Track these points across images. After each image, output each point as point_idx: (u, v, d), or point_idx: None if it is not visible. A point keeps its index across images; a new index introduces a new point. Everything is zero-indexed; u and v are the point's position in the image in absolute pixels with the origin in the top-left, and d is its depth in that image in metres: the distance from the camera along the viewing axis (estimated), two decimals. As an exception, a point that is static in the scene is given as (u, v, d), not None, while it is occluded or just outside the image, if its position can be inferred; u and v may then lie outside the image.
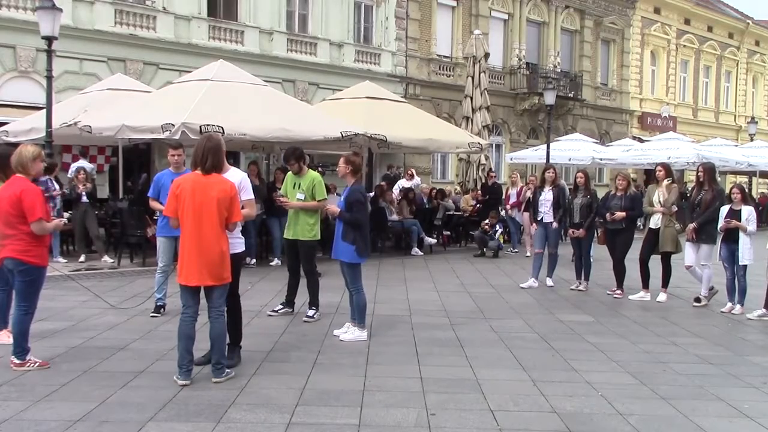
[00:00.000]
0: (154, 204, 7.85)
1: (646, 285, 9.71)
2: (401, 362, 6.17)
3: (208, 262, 5.27)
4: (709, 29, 37.23)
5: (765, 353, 6.98)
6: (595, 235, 11.05)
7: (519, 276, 11.48)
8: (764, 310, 8.51)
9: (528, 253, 13.80)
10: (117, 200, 13.58)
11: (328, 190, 9.23)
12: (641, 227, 12.60)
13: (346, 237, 6.87)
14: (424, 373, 5.82)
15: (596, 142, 25.48)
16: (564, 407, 5.06)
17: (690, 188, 10.56)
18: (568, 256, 11.85)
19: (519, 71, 27.42)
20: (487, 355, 6.50)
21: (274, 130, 11.71)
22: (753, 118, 32.88)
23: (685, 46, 35.84)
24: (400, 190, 16.14)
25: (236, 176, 5.77)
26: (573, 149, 23.10)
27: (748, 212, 8.66)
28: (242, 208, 5.57)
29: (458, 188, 19.58)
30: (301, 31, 21.41)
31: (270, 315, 7.97)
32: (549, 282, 10.72)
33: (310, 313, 7.79)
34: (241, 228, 5.78)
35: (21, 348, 5.68)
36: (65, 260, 11.83)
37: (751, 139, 29.95)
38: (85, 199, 11.92)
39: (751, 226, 8.61)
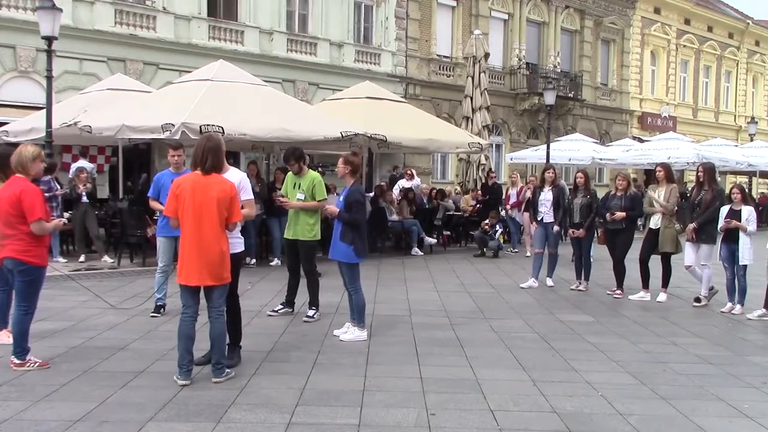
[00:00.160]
0: (154, 204, 7.85)
1: (646, 285, 9.71)
2: (401, 362, 6.17)
3: (208, 262, 5.27)
4: (709, 29, 37.23)
5: (765, 353, 6.98)
6: (595, 235, 11.05)
7: (519, 276, 11.48)
8: (764, 310, 8.52)
9: (528, 253, 13.80)
10: (117, 200, 13.58)
11: (329, 190, 9.24)
12: (641, 227, 12.61)
13: (345, 237, 6.87)
14: (424, 373, 5.82)
15: (596, 142, 25.48)
16: (564, 407, 5.06)
17: (690, 188, 10.54)
18: (568, 256, 11.85)
19: (519, 71, 27.41)
20: (487, 355, 6.50)
21: (274, 130, 11.71)
22: (753, 118, 32.88)
23: (685, 46, 35.84)
24: (400, 190, 16.15)
25: (235, 176, 5.77)
26: (573, 149, 23.10)
27: (748, 212, 8.66)
28: (242, 208, 5.57)
29: (458, 188, 19.57)
30: (301, 31, 21.41)
31: (270, 315, 7.97)
32: (549, 282, 10.72)
33: (310, 313, 7.79)
34: (240, 228, 5.78)
35: (21, 348, 5.68)
36: (65, 260, 11.83)
37: (751, 139, 29.95)
38: (85, 199, 11.92)
39: (751, 226, 8.61)
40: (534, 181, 14.63)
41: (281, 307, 8.07)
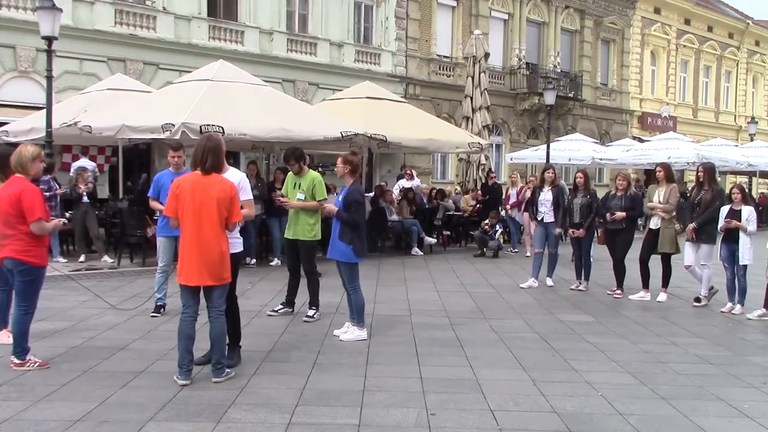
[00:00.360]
0: (154, 204, 7.85)
1: (646, 285, 9.71)
2: (401, 362, 6.17)
3: (208, 262, 5.27)
4: (709, 29, 37.23)
5: (765, 353, 6.98)
6: (595, 235, 11.05)
7: (519, 276, 11.48)
8: (764, 310, 8.51)
9: (528, 253, 13.80)
10: (117, 200, 13.58)
11: (329, 190, 9.23)
12: (641, 227, 12.61)
13: (343, 237, 6.87)
14: (424, 373, 5.82)
15: (596, 142, 25.48)
16: (564, 407, 5.06)
17: (690, 188, 10.55)
18: (568, 256, 11.85)
19: (519, 71, 27.41)
20: (487, 355, 6.50)
21: (274, 130, 11.71)
22: (753, 118, 32.87)
23: (685, 46, 35.83)
24: (400, 191, 16.15)
25: (235, 176, 5.77)
26: (573, 149, 23.10)
27: (748, 212, 8.66)
28: (241, 208, 5.57)
29: (458, 188, 19.57)
30: (301, 31, 21.41)
31: (270, 315, 7.97)
32: (549, 282, 10.72)
33: (310, 313, 7.79)
34: (240, 228, 5.78)
35: (21, 348, 5.68)
36: (65, 260, 11.83)
37: (751, 139, 29.95)
38: (85, 199, 11.91)
39: (751, 226, 8.61)
40: (534, 181, 14.62)
41: (281, 307, 8.07)
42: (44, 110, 12.50)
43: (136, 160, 16.87)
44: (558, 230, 10.56)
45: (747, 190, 11.54)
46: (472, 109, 19.48)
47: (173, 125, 10.70)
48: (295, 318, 7.85)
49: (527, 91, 27.33)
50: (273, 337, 6.94)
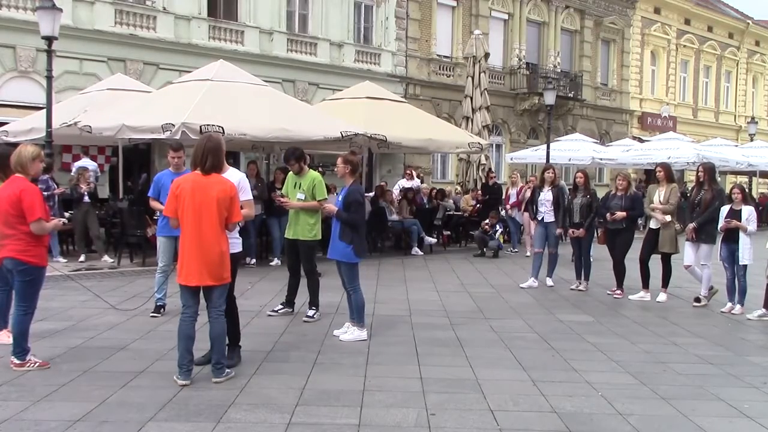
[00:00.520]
0: (154, 204, 7.86)
1: (646, 285, 9.71)
2: (401, 362, 6.17)
3: (208, 262, 5.27)
4: (709, 29, 37.23)
5: (765, 353, 6.98)
6: (595, 235, 11.05)
7: (519, 276, 11.48)
8: (764, 310, 8.51)
9: (528, 253, 13.79)
10: (117, 200, 13.57)
11: (329, 190, 9.23)
12: (641, 227, 12.61)
13: (343, 237, 6.87)
14: (424, 373, 5.82)
15: (596, 142, 25.47)
16: (564, 407, 5.06)
17: (690, 188, 10.55)
18: (568, 256, 11.86)
19: (519, 71, 27.41)
20: (487, 355, 6.50)
21: (274, 130, 11.71)
22: (753, 118, 32.86)
23: (685, 46, 35.83)
24: (400, 191, 16.15)
25: (234, 177, 5.77)
26: (573, 149, 23.09)
27: (748, 212, 8.66)
28: (241, 208, 5.57)
29: (458, 188, 19.58)
30: (301, 31, 21.41)
31: (270, 315, 7.97)
32: (549, 282, 10.72)
33: (310, 313, 7.79)
34: (240, 228, 5.78)
35: (21, 348, 5.68)
36: (65, 260, 11.83)
37: (751, 139, 29.94)
38: (87, 199, 11.91)
39: (752, 226, 8.61)
40: (534, 181, 14.62)
41: (281, 307, 8.07)
42: (44, 110, 12.50)
43: (136, 160, 16.86)
44: (558, 230, 10.56)
45: (747, 190, 11.53)
46: (472, 109, 19.48)
47: (173, 125, 10.70)
48: (295, 318, 7.85)
49: (527, 91, 27.33)
50: (273, 337, 6.94)
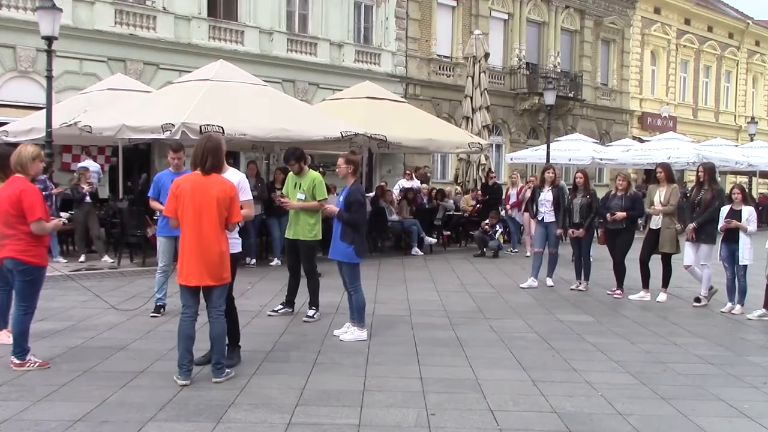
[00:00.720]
0: (154, 204, 7.86)
1: (646, 285, 9.71)
2: (401, 362, 6.17)
3: (208, 262, 5.27)
4: (709, 29, 37.23)
5: (765, 353, 6.98)
6: (595, 235, 11.05)
7: (519, 276, 11.48)
8: (764, 310, 8.51)
9: (528, 253, 13.79)
10: (117, 200, 13.58)
11: (329, 190, 9.23)
12: (641, 227, 12.60)
13: (345, 237, 6.86)
14: (424, 373, 5.82)
15: (596, 142, 25.46)
16: (564, 407, 5.06)
17: (690, 188, 10.55)
18: (568, 256, 11.85)
19: (519, 71, 27.41)
20: (487, 355, 6.50)
21: (274, 130, 11.70)
22: (753, 118, 32.86)
23: (685, 46, 35.83)
24: (400, 191, 16.15)
25: (235, 177, 5.77)
26: (573, 149, 23.09)
27: (748, 212, 8.66)
28: (241, 208, 5.57)
29: (458, 188, 19.58)
30: (301, 31, 21.41)
31: (270, 315, 7.97)
32: (549, 282, 10.72)
33: (310, 313, 7.79)
34: (240, 228, 5.78)
35: (21, 348, 5.68)
36: (65, 260, 11.83)
37: (751, 139, 29.95)
38: (88, 199, 11.91)
39: (752, 227, 8.61)
40: (534, 181, 14.62)
41: (281, 307, 8.07)
42: (44, 110, 12.50)
43: (136, 160, 16.86)
44: (558, 231, 10.56)
45: (747, 190, 11.53)
46: (472, 109, 19.47)
47: (173, 125, 10.70)
48: (295, 318, 7.85)
49: (527, 91, 27.32)
50: (273, 337, 6.94)
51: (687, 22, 35.73)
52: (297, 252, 7.84)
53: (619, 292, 9.91)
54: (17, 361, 5.65)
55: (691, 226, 9.12)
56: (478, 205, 16.68)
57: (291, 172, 7.92)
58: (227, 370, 5.49)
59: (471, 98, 19.51)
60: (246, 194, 5.89)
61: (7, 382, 5.33)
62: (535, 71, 27.73)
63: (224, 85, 12.13)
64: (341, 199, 7.02)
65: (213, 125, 10.55)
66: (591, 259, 10.60)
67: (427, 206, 16.01)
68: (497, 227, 14.86)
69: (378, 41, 23.29)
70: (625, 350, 6.84)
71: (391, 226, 14.63)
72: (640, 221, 12.03)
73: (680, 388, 5.65)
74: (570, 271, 11.18)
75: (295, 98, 16.26)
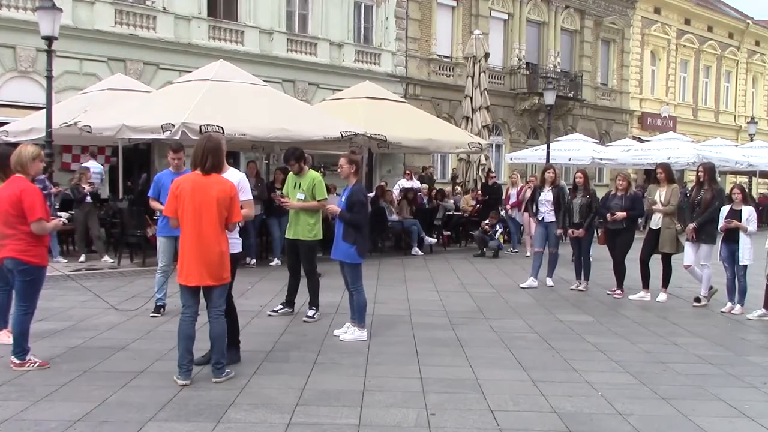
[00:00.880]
0: (154, 204, 7.86)
1: (646, 285, 9.71)
2: (401, 362, 6.17)
3: (208, 262, 5.27)
4: (709, 29, 37.24)
5: (765, 353, 6.98)
6: (595, 235, 11.05)
7: (519, 276, 11.48)
8: (764, 310, 8.51)
9: (528, 253, 13.79)
10: (117, 200, 13.58)
11: (329, 190, 9.23)
12: (642, 227, 12.60)
13: (347, 237, 6.86)
14: (424, 373, 5.82)
15: (596, 142, 25.47)
16: (564, 407, 5.06)
17: (690, 188, 10.55)
18: (568, 256, 11.85)
19: (519, 71, 27.42)
20: (487, 355, 6.50)
21: (274, 130, 11.70)
22: (753, 118, 32.88)
23: (685, 46, 35.84)
24: (401, 191, 16.14)
25: (235, 177, 5.77)
26: (573, 149, 23.09)
27: (748, 212, 8.66)
28: (241, 208, 5.57)
29: (458, 188, 19.58)
30: (301, 31, 21.41)
31: (270, 315, 7.97)
32: (549, 282, 10.72)
33: (310, 313, 7.79)
34: (240, 228, 5.78)
35: (21, 348, 5.68)
36: (65, 260, 11.83)
37: (751, 139, 29.95)
38: (89, 199, 11.91)
39: (752, 227, 8.61)
40: (534, 181, 14.63)
41: (281, 307, 8.07)
42: (44, 110, 12.50)
43: (136, 160, 16.87)
44: (559, 231, 10.56)
45: (747, 190, 11.53)
46: (472, 109, 19.47)
47: (173, 125, 10.70)
48: (295, 318, 7.85)
49: (527, 91, 27.33)
50: (273, 337, 6.94)
51: (687, 22, 35.74)
52: (297, 252, 7.84)
53: (619, 292, 9.91)
54: (17, 361, 5.65)
55: (692, 226, 9.12)
56: (478, 205, 16.67)
57: (291, 172, 7.92)
58: (227, 370, 5.49)
59: (471, 98, 19.51)
60: (246, 194, 5.89)
61: (7, 382, 5.33)
62: (535, 71, 27.74)
63: (224, 85, 12.13)
64: (343, 199, 7.01)
65: (213, 125, 10.55)
66: (591, 259, 10.60)
67: (427, 206, 16.01)
68: (497, 227, 14.86)
69: (378, 41, 23.30)
70: (625, 350, 6.84)
71: (391, 226, 14.63)
72: (640, 221, 12.03)
73: (680, 388, 5.65)
74: (570, 271, 11.18)
75: (295, 98, 16.26)
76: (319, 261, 8.03)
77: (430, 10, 24.69)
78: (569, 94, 28.53)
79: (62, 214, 11.20)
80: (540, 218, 10.77)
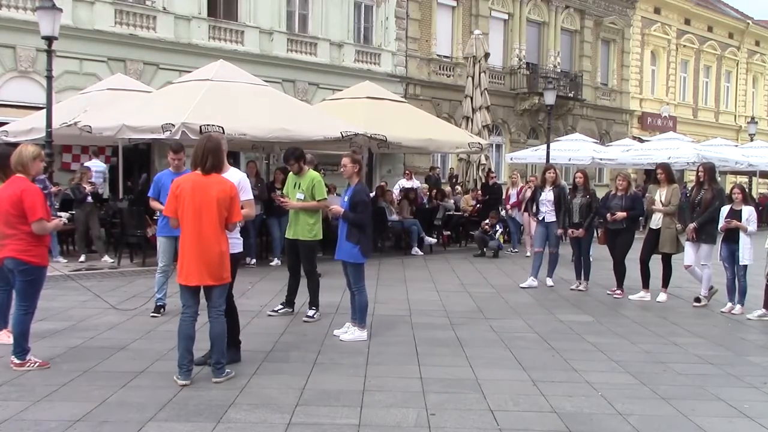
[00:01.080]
0: (154, 204, 7.86)
1: (646, 285, 9.71)
2: (401, 362, 6.17)
3: (208, 262, 5.27)
4: (709, 29, 37.23)
5: (765, 353, 6.98)
6: (595, 235, 11.04)
7: (519, 276, 11.48)
8: (764, 310, 8.51)
9: (528, 253, 13.80)
10: (117, 200, 13.58)
11: (328, 190, 9.23)
12: (642, 227, 12.60)
13: (351, 237, 6.85)
14: (424, 373, 5.82)
15: (596, 142, 25.46)
16: (564, 407, 5.06)
17: (690, 188, 10.56)
18: (568, 256, 11.85)
19: (519, 71, 27.41)
20: (487, 355, 6.50)
21: (274, 130, 11.71)
22: (753, 118, 32.87)
23: (685, 46, 35.83)
24: (401, 191, 16.13)
25: (235, 176, 5.78)
26: (573, 149, 23.09)
27: (748, 212, 8.66)
28: (241, 208, 5.57)
29: (458, 188, 19.58)
30: (301, 31, 21.41)
31: (270, 315, 7.97)
32: (549, 282, 10.72)
33: (310, 313, 7.79)
34: (240, 228, 5.78)
35: (21, 348, 5.68)
36: (65, 260, 11.83)
37: (751, 139, 29.94)
38: (90, 199, 11.91)
39: (752, 227, 8.61)
40: (534, 181, 14.63)
41: (281, 307, 8.07)
42: (44, 110, 12.50)
43: (136, 160, 16.86)
44: (559, 231, 10.56)
45: (747, 190, 11.53)
46: (472, 109, 19.47)
47: (173, 125, 10.70)
48: (295, 318, 7.85)
49: (527, 91, 27.33)
50: (273, 337, 6.94)
51: (687, 22, 35.74)
52: (297, 252, 7.84)
53: (619, 292, 9.91)
54: (17, 361, 5.65)
55: (692, 226, 9.12)
56: (478, 205, 16.68)
57: (291, 172, 7.92)
58: (227, 370, 5.49)
59: (471, 98, 19.51)
60: (247, 194, 5.89)
61: (7, 382, 5.33)
62: (535, 71, 27.73)
63: (224, 85, 12.13)
64: (346, 199, 7.00)
65: (213, 125, 10.55)
66: (591, 259, 10.60)
67: (427, 206, 16.01)
68: (497, 227, 14.86)
69: (378, 41, 23.30)
70: (625, 350, 6.84)
71: (391, 226, 14.63)
72: (640, 219, 12.03)
73: (680, 388, 5.65)
74: (570, 271, 11.18)
75: (295, 98, 16.26)
76: (319, 261, 8.03)
77: (430, 10, 24.68)
78: (569, 94, 28.53)
79: (62, 214, 11.21)
80: (541, 218, 10.77)
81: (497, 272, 12.28)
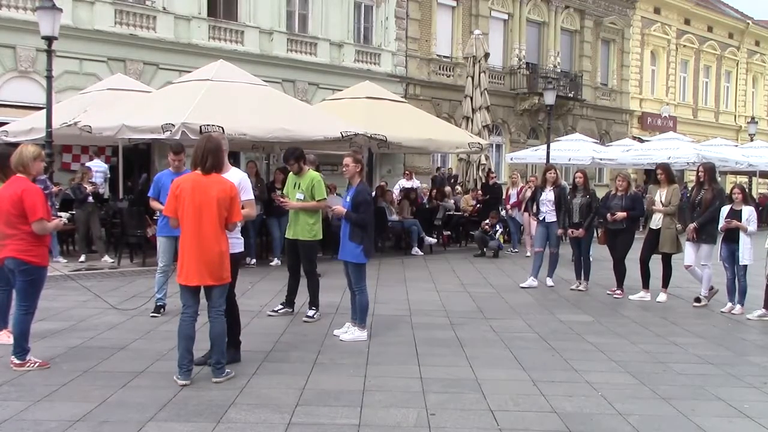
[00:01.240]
0: (154, 204, 7.86)
1: (646, 285, 9.71)
2: (401, 362, 6.17)
3: (208, 262, 5.27)
4: (709, 29, 37.24)
5: (765, 353, 6.98)
6: (595, 234, 11.04)
7: (519, 276, 11.48)
8: (764, 310, 8.51)
9: (528, 253, 13.80)
10: (117, 200, 13.58)
11: (329, 190, 9.23)
12: (642, 227, 12.61)
13: (354, 237, 6.84)
14: (424, 373, 5.82)
15: (596, 142, 25.47)
16: (564, 407, 5.06)
17: (690, 188, 10.56)
18: (568, 256, 11.85)
19: (519, 71, 27.42)
20: (487, 355, 6.51)
21: (274, 130, 11.70)
22: (753, 118, 32.87)
23: (685, 46, 35.84)
24: (401, 191, 16.13)
25: (236, 176, 5.78)
26: (573, 149, 23.09)
27: (748, 212, 8.66)
28: (242, 208, 5.57)
29: (459, 188, 19.58)
30: (301, 31, 21.41)
31: (270, 315, 7.97)
32: (549, 282, 10.72)
33: (310, 313, 7.79)
34: (240, 228, 5.78)
35: (21, 348, 5.68)
36: (65, 260, 11.83)
37: (751, 139, 29.94)
38: (91, 199, 11.91)
39: (752, 227, 8.61)
40: (534, 181, 14.64)
41: (281, 307, 8.07)
42: (44, 110, 12.50)
43: (136, 160, 16.86)
44: (559, 231, 10.55)
45: (747, 190, 11.54)
46: (472, 109, 19.48)
47: (173, 125, 10.70)
48: (295, 318, 7.85)
49: (527, 91, 27.33)
50: (273, 337, 6.94)
51: (687, 22, 35.74)
52: (297, 252, 7.84)
53: (619, 292, 9.92)
54: (17, 361, 5.65)
55: (692, 226, 9.12)
56: (478, 205, 16.68)
57: (291, 172, 7.92)
58: (227, 370, 5.49)
59: (471, 98, 19.51)
60: (248, 193, 5.90)
61: (7, 382, 5.33)
62: (535, 71, 27.74)
63: (224, 85, 12.12)
64: (348, 199, 6.99)
65: (213, 125, 10.54)
66: (591, 259, 10.60)
67: (427, 206, 16.01)
68: (497, 227, 14.86)
69: (378, 41, 23.30)
70: (625, 350, 6.85)
71: (391, 226, 14.63)
72: (640, 220, 12.03)
73: (680, 388, 5.65)
74: (570, 271, 11.18)
75: (295, 98, 16.26)
76: (319, 261, 8.03)
77: (430, 10, 24.69)
78: (569, 94, 28.53)
79: (62, 214, 11.21)
80: (541, 218, 10.77)
81: (497, 272, 12.28)
